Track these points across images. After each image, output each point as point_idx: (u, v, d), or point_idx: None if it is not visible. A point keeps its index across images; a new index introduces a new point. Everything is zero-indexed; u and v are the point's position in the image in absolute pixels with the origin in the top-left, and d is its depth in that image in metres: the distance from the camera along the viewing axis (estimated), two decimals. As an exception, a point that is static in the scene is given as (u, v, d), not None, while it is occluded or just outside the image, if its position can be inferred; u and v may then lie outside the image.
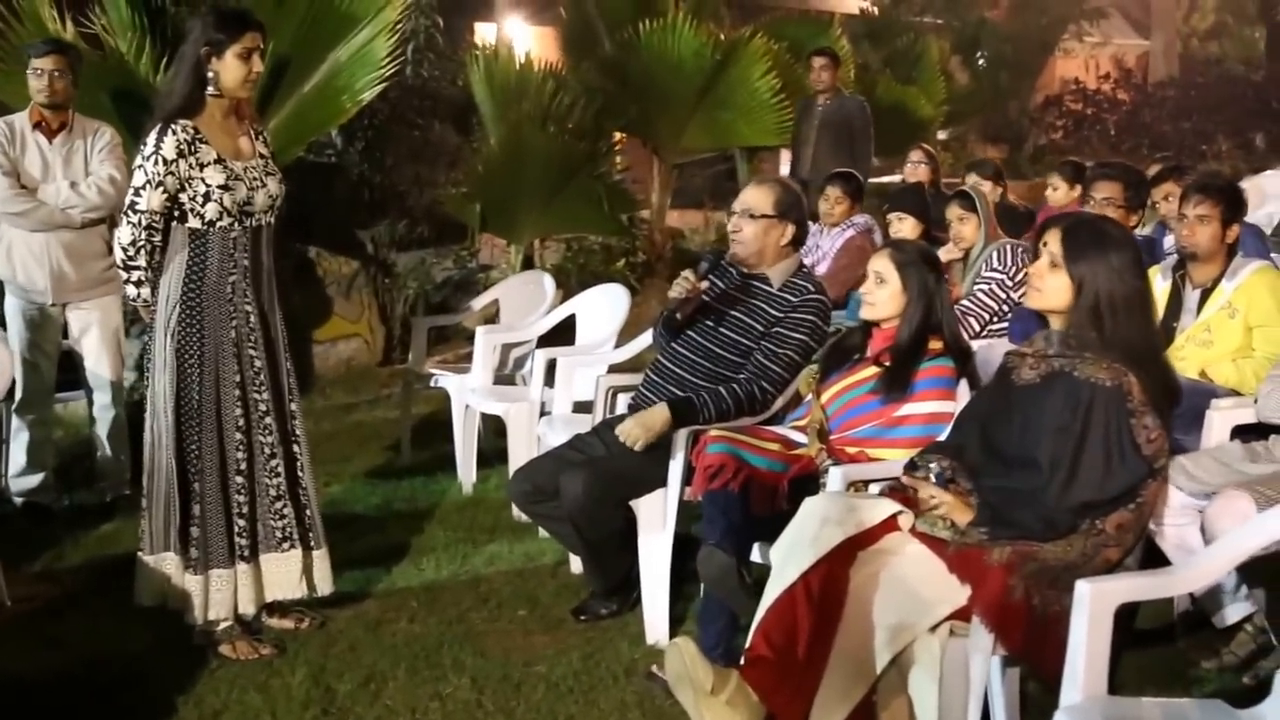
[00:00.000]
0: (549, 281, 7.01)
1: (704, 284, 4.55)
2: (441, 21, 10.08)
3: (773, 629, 3.34)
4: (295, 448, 4.43)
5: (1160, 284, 4.88)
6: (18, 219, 5.54)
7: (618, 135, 11.08)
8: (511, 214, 9.26)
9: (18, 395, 5.65)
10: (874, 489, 3.83)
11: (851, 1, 21.07)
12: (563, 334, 6.63)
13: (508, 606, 4.75)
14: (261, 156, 4.35)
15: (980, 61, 20.54)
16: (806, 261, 6.10)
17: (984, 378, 4.09)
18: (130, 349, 6.43)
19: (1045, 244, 3.51)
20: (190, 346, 4.22)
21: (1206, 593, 3.89)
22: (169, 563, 4.29)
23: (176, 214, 4.20)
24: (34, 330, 5.70)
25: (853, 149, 9.74)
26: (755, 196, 4.59)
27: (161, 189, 4.13)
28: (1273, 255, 5.55)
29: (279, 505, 4.36)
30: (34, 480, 5.79)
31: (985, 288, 5.77)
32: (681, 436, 4.30)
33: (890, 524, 3.47)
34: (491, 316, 7.50)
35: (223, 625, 4.31)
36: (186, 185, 4.15)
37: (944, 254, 5.79)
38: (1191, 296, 4.83)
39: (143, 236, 4.16)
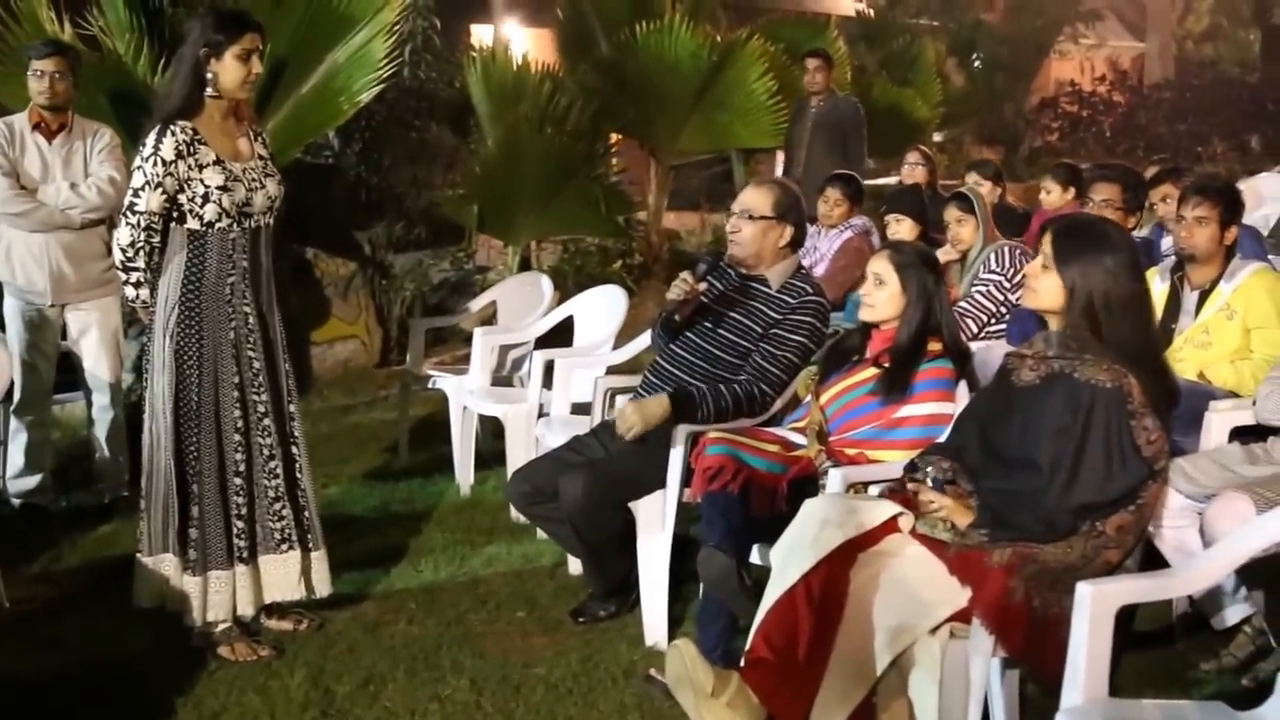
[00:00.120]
0: (547, 283, 7.00)
1: (702, 285, 4.55)
2: (439, 23, 10.07)
3: (773, 631, 3.34)
4: (294, 449, 4.43)
5: (1158, 286, 4.89)
6: (17, 220, 5.54)
7: (614, 137, 11.06)
8: (509, 215, 9.25)
9: (16, 396, 5.64)
10: (874, 490, 3.83)
11: (847, 3, 21.09)
12: (560, 335, 6.63)
13: (506, 608, 4.75)
14: (260, 158, 4.35)
15: (976, 63, 20.56)
16: (804, 263, 6.10)
17: (982, 379, 4.10)
18: (128, 350, 6.42)
19: (1041, 244, 3.52)
20: (189, 347, 4.21)
21: (1205, 594, 3.90)
22: (167, 564, 4.28)
23: (175, 215, 4.19)
24: (33, 331, 5.69)
25: (846, 150, 9.75)
26: (754, 198, 4.59)
27: (160, 190, 4.12)
28: (1270, 257, 5.56)
29: (277, 507, 4.35)
30: (32, 481, 5.78)
31: (983, 289, 5.77)
32: (680, 438, 4.29)
33: (890, 526, 3.48)
34: (489, 318, 7.50)
35: (221, 627, 4.31)
36: (185, 186, 4.14)
37: (941, 255, 5.77)
38: (1190, 298, 4.84)
39: (141, 238, 4.16)
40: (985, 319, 5.75)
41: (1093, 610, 2.93)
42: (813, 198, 7.13)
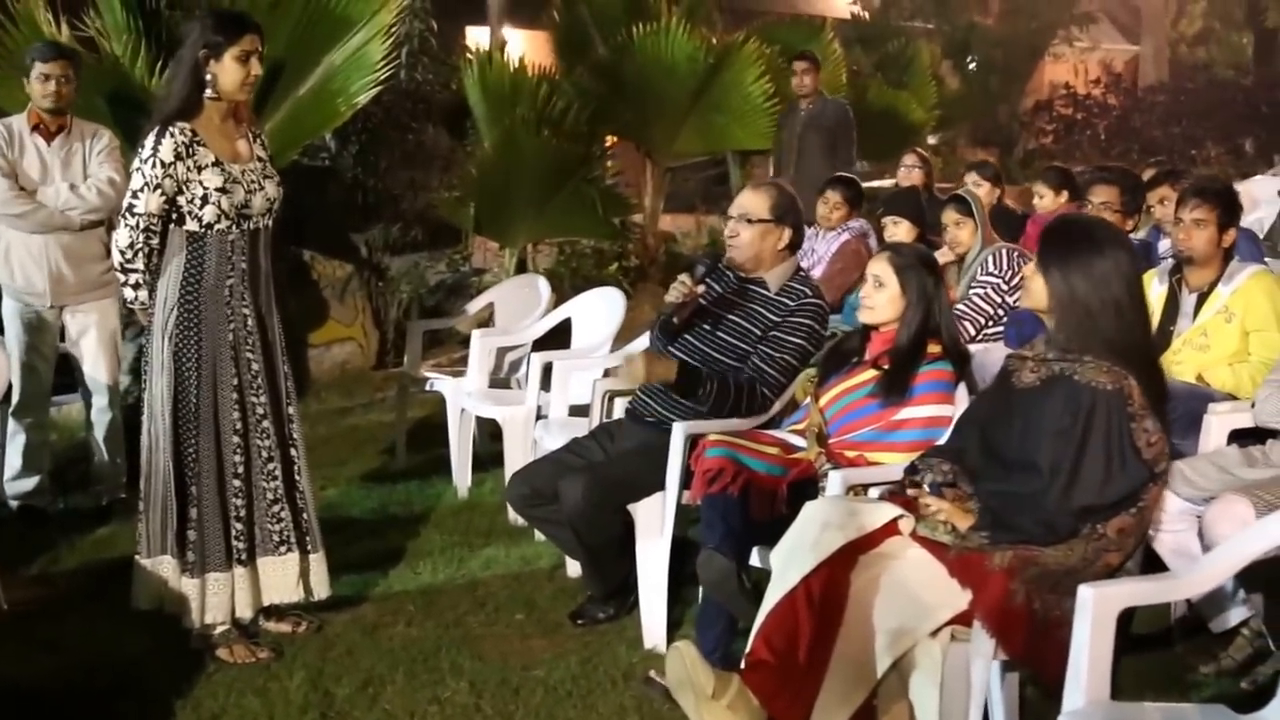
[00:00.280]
0: (544, 285, 7.00)
1: (700, 288, 4.55)
2: (435, 25, 10.07)
3: (773, 633, 3.34)
4: (292, 451, 4.42)
5: (1156, 288, 4.89)
6: (17, 221, 5.53)
7: (611, 139, 11.08)
8: (505, 218, 9.25)
9: (15, 398, 5.64)
10: (874, 493, 3.83)
11: (842, 6, 21.11)
12: (557, 338, 6.63)
13: (505, 610, 4.75)
14: (259, 159, 4.35)
15: (970, 66, 20.60)
16: (801, 265, 6.10)
17: (979, 382, 4.11)
18: (125, 352, 6.41)
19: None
20: (188, 349, 4.21)
21: (1203, 597, 3.90)
22: (166, 566, 4.27)
23: (174, 217, 4.19)
24: (32, 333, 5.69)
25: (835, 152, 9.76)
26: (752, 200, 4.59)
27: (159, 192, 4.11)
28: (1267, 259, 5.57)
29: (276, 509, 4.35)
30: (30, 483, 5.78)
31: (980, 292, 5.77)
32: (679, 440, 4.29)
33: (891, 528, 3.48)
34: (486, 320, 7.50)
35: (220, 629, 4.30)
36: (184, 188, 4.14)
37: (938, 258, 5.79)
38: (1188, 301, 4.84)
39: (140, 239, 4.15)
40: (983, 321, 5.75)
41: (1095, 613, 2.93)
42: (804, 200, 7.12)
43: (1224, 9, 27.69)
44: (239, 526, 4.28)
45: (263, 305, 4.33)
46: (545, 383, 5.77)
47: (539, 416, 5.72)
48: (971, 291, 5.79)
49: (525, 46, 13.56)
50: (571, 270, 10.39)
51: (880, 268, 4.22)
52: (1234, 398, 4.52)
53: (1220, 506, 3.63)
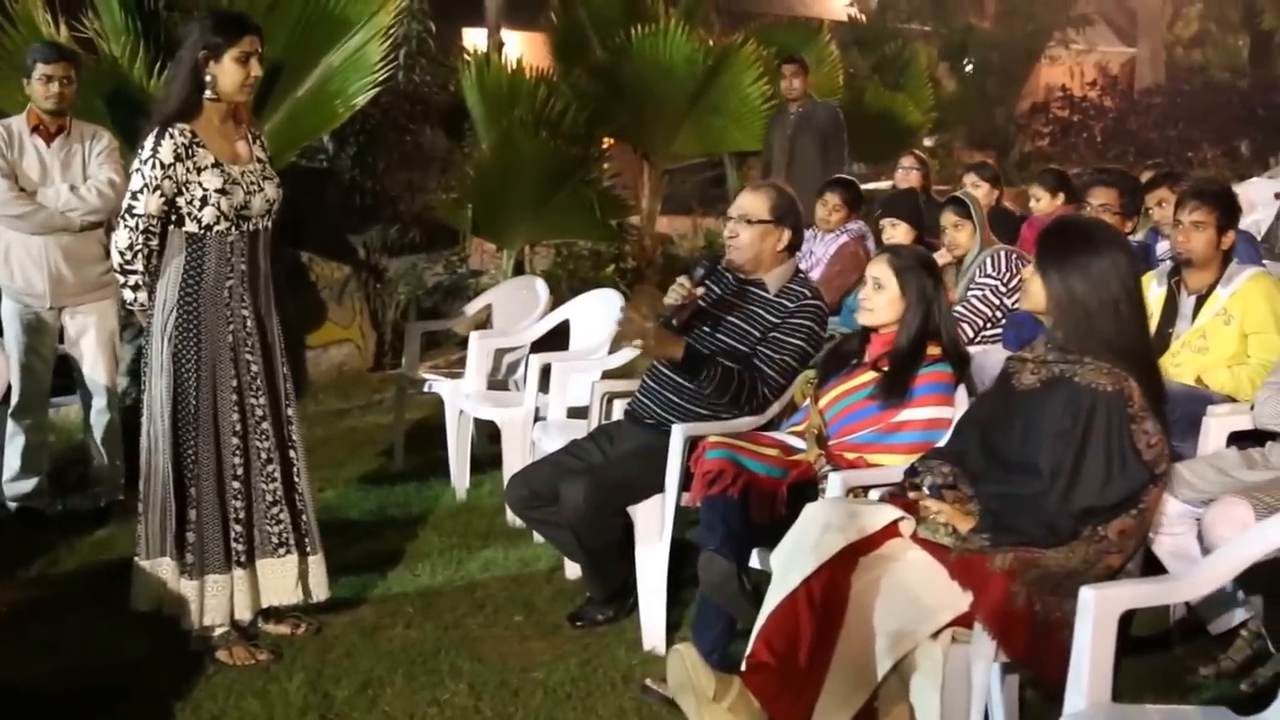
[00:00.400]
0: (542, 287, 7.00)
1: (700, 290, 4.55)
2: (433, 27, 10.07)
3: (774, 635, 3.34)
4: (291, 453, 4.42)
5: (1155, 290, 4.89)
6: (17, 222, 5.53)
7: (608, 141, 11.07)
8: (503, 219, 9.25)
9: (14, 399, 5.64)
10: (874, 495, 3.83)
11: (839, 8, 21.12)
12: (555, 339, 6.63)
13: (504, 612, 4.75)
14: (259, 161, 4.34)
15: (967, 68, 20.62)
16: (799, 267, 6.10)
17: (978, 384, 4.11)
18: (123, 354, 6.41)
19: None
20: (187, 351, 4.20)
21: (1203, 599, 3.90)
22: (165, 568, 4.27)
23: (173, 218, 4.19)
24: (31, 334, 5.68)
25: (826, 155, 9.76)
26: (751, 202, 4.59)
27: (159, 193, 4.11)
28: (1265, 262, 5.57)
29: (275, 510, 4.35)
30: (28, 485, 5.77)
31: (979, 293, 5.77)
32: (678, 442, 4.29)
33: (891, 530, 3.48)
34: (484, 322, 7.50)
35: (219, 631, 4.30)
36: (184, 189, 4.14)
37: (936, 259, 5.79)
38: (1187, 303, 4.83)
39: (140, 240, 4.15)
40: (981, 323, 5.74)
41: (1096, 615, 2.93)
42: (800, 203, 7.13)
43: (1220, 11, 27.73)
44: (238, 528, 4.28)
45: (262, 307, 4.33)
46: (543, 384, 5.77)
47: (537, 418, 5.73)
48: (970, 293, 5.79)
49: (523, 48, 13.56)
50: (569, 272, 10.40)
51: (879, 270, 4.22)
52: (1233, 400, 4.51)
53: (1219, 509, 3.64)
